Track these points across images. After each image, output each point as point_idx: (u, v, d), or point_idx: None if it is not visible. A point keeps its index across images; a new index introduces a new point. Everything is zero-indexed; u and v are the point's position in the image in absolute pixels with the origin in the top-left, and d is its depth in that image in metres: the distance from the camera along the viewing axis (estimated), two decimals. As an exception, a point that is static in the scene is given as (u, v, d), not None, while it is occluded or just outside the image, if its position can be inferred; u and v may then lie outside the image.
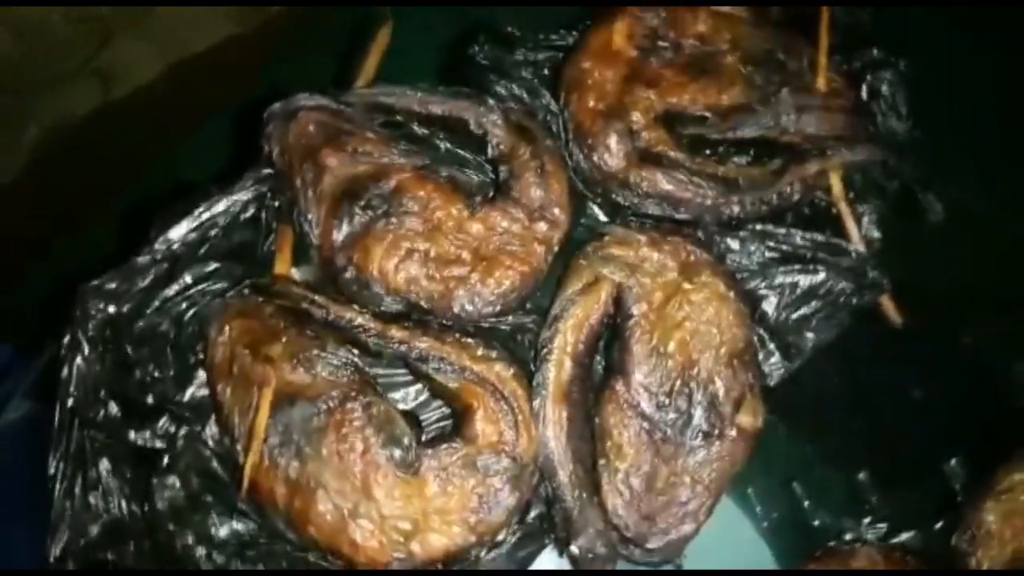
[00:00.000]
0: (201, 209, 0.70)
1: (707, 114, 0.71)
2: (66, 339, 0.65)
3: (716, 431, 0.65)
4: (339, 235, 0.68)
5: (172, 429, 0.65)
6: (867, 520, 0.69)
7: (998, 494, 0.64)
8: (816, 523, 0.72)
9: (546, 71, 0.75)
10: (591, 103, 0.71)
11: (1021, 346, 0.74)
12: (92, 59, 0.93)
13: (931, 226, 0.72)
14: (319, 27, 0.93)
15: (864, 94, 0.74)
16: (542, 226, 0.69)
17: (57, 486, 0.64)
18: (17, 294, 0.90)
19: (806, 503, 0.73)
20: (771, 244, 0.70)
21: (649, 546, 0.64)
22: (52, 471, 0.64)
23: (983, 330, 0.75)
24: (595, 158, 0.71)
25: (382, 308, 0.68)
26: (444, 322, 0.67)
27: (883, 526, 0.69)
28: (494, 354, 0.66)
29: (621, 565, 0.66)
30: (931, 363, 0.76)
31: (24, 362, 0.79)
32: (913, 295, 0.73)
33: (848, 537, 0.69)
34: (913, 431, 0.75)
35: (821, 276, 0.69)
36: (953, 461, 0.72)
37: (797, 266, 0.69)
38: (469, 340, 0.66)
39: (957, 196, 0.72)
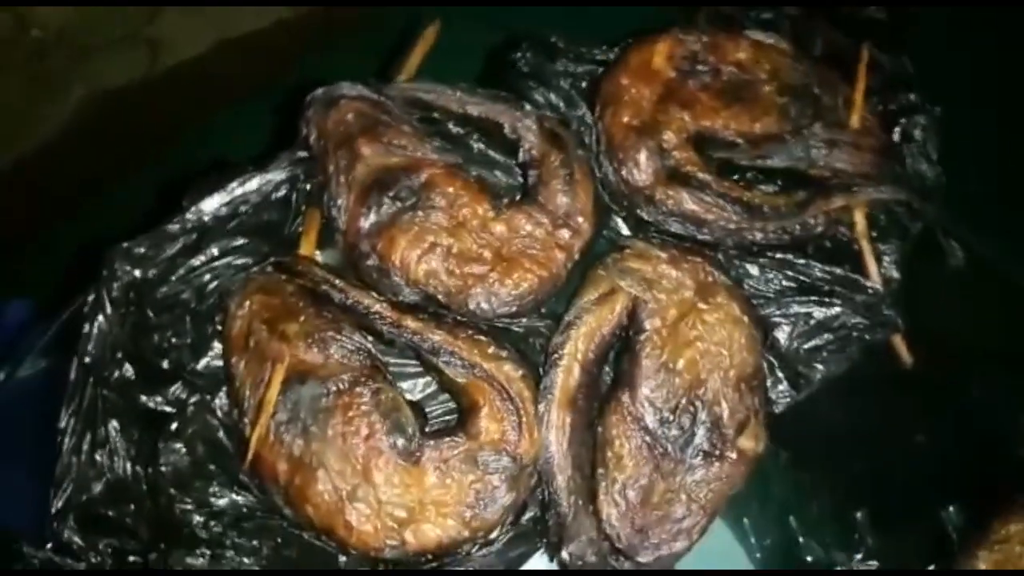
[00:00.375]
0: (234, 184, 0.71)
1: (738, 140, 0.72)
2: (90, 298, 0.66)
3: (717, 452, 0.65)
4: (366, 222, 0.69)
5: (183, 396, 0.67)
6: (859, 556, 0.69)
7: (992, 543, 0.64)
8: (808, 557, 0.72)
9: (584, 83, 0.76)
10: (625, 118, 0.72)
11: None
12: (142, 29, 0.95)
13: (950, 271, 0.72)
14: (369, 23, 0.95)
15: (896, 136, 0.75)
16: (565, 233, 0.70)
17: (66, 440, 0.65)
18: (42, 252, 0.92)
19: (800, 536, 0.74)
20: (789, 273, 0.70)
21: (639, 559, 0.65)
22: (62, 425, 0.65)
23: (991, 380, 0.75)
24: (624, 172, 0.72)
25: (400, 298, 0.69)
26: (459, 318, 0.68)
27: (874, 564, 0.69)
28: (504, 354, 0.67)
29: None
30: (937, 408, 0.76)
31: (44, 319, 0.81)
32: (925, 338, 0.73)
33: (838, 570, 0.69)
34: (914, 474, 0.75)
35: (836, 310, 0.69)
36: (951, 508, 0.72)
37: (813, 297, 0.69)
38: (481, 337, 0.67)
39: (978, 245, 0.73)
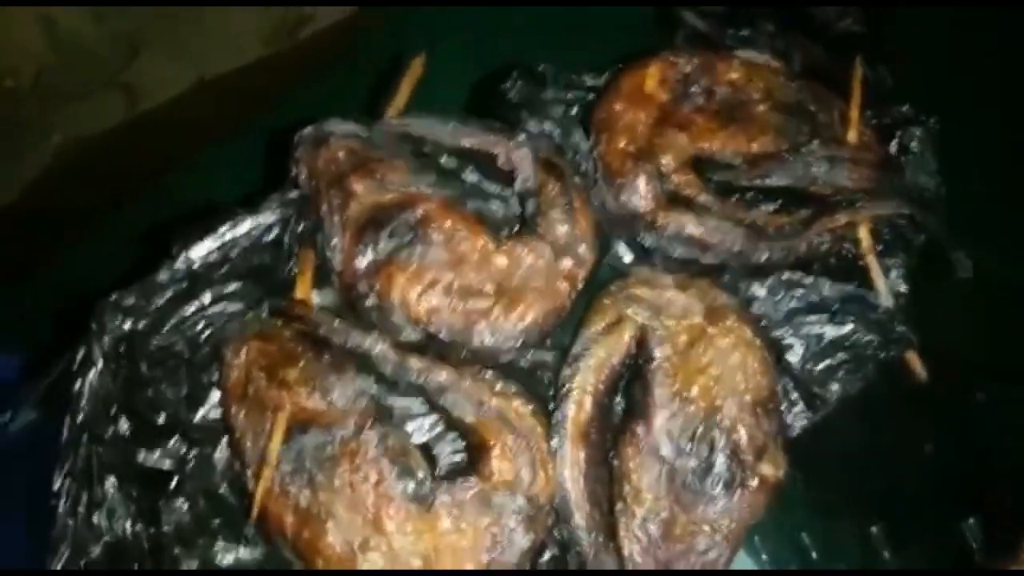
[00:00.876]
0: (224, 228, 0.69)
1: (736, 161, 0.71)
2: (80, 353, 0.64)
3: (737, 480, 0.63)
4: (363, 262, 0.67)
5: (182, 451, 0.64)
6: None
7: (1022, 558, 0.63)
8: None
9: (576, 111, 0.75)
10: (622, 144, 0.71)
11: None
12: (118, 75, 0.93)
13: (956, 283, 0.72)
14: (351, 56, 0.94)
15: (894, 149, 0.74)
16: (567, 263, 0.69)
17: (61, 503, 0.62)
18: (26, 304, 0.89)
19: (815, 554, 0.72)
20: (798, 293, 0.69)
21: (665, 596, 0.63)
22: (57, 487, 0.62)
23: (1001, 391, 0.75)
24: (623, 198, 0.70)
25: (402, 338, 0.67)
26: (463, 355, 0.66)
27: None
28: (513, 390, 0.65)
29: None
30: (951, 422, 0.75)
31: (30, 374, 0.78)
32: (935, 351, 0.72)
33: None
34: (927, 488, 0.74)
35: (848, 328, 0.68)
36: (971, 520, 0.71)
37: (824, 316, 0.68)
38: (488, 374, 0.65)
39: (983, 254, 0.72)
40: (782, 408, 0.68)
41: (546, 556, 0.63)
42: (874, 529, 0.72)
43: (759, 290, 0.70)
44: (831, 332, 0.69)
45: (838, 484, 0.74)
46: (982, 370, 0.74)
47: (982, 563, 0.69)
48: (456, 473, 0.63)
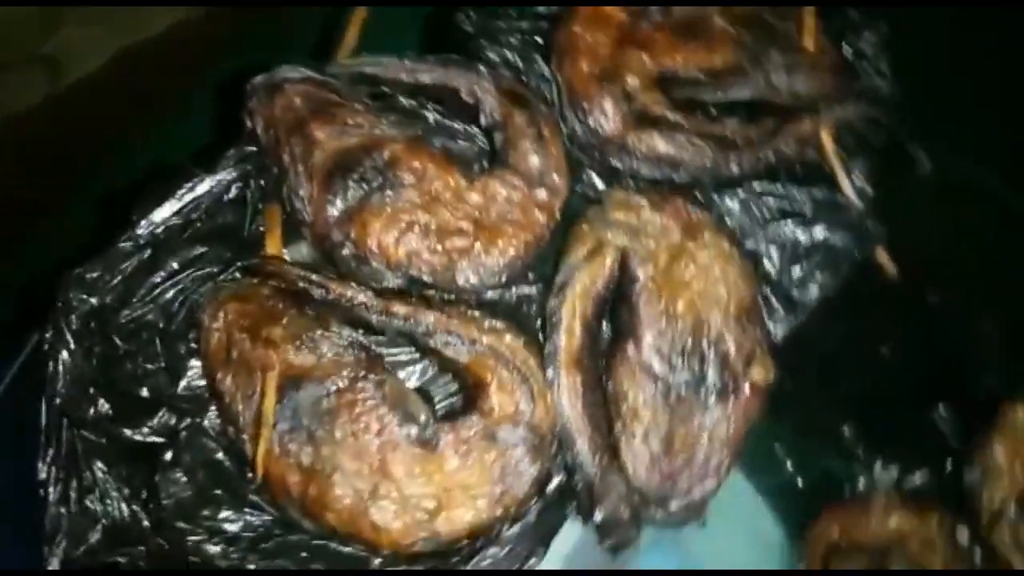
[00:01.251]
0: (183, 190, 0.66)
1: (700, 76, 0.71)
2: (48, 333, 0.61)
3: (730, 388, 0.65)
4: (334, 210, 0.65)
5: (172, 423, 0.62)
6: (878, 465, 0.70)
7: (1007, 429, 0.66)
8: (828, 475, 0.73)
9: (535, 37, 0.74)
10: (585, 67, 0.70)
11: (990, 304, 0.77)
12: (36, 49, 0.88)
13: (918, 181, 0.74)
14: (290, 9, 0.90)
15: (848, 54, 0.75)
16: (542, 193, 0.68)
17: (50, 492, 0.60)
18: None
19: (789, 464, 0.75)
20: (770, 201, 0.70)
21: (672, 508, 0.64)
22: (43, 476, 0.60)
23: (965, 287, 0.78)
24: (591, 122, 0.70)
25: (383, 284, 0.65)
26: (447, 296, 0.66)
27: (894, 468, 0.70)
28: (502, 325, 0.65)
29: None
30: (917, 320, 0.78)
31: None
32: (902, 250, 0.74)
33: (861, 487, 0.70)
34: (901, 386, 0.77)
35: (821, 231, 0.70)
36: (942, 410, 0.74)
37: (797, 221, 0.70)
38: (475, 312, 0.65)
39: (939, 151, 0.74)
40: (764, 316, 0.70)
41: (553, 483, 0.64)
42: (846, 429, 0.75)
43: (732, 203, 0.71)
44: (804, 237, 0.70)
45: (814, 388, 0.76)
46: (947, 265, 0.77)
47: (955, 446, 0.73)
48: (456, 413, 0.63)
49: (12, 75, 0.86)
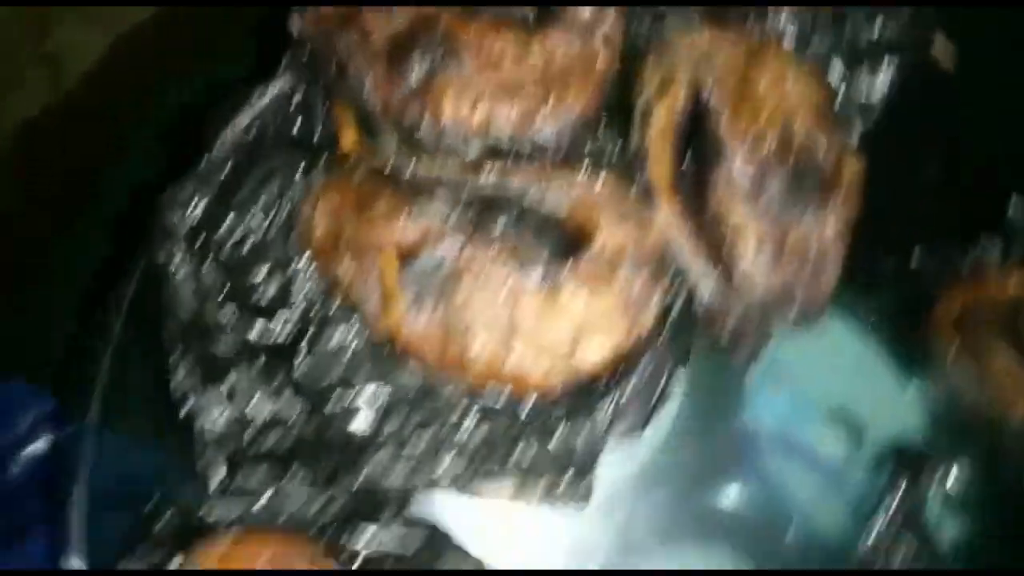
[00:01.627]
0: (251, 101, 0.66)
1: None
2: (160, 254, 0.61)
3: (828, 185, 0.65)
4: (403, 92, 0.65)
5: (297, 320, 0.62)
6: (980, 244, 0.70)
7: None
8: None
9: None
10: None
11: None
12: (35, 50, 0.87)
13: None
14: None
15: None
16: (599, 42, 0.68)
17: (187, 408, 0.60)
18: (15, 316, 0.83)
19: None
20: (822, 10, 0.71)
21: (793, 311, 0.65)
22: (178, 396, 0.60)
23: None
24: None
25: (466, 154, 0.65)
26: (530, 154, 0.66)
27: (997, 241, 0.70)
28: (590, 169, 0.65)
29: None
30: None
31: (38, 390, 0.76)
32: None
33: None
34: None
35: (879, 29, 0.71)
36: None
37: (858, 16, 0.70)
38: (563, 164, 0.65)
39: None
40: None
41: (676, 308, 0.65)
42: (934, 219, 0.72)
43: (781, 15, 0.71)
44: (865, 36, 0.71)
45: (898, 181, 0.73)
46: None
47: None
48: (571, 254, 0.63)
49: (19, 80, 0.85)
